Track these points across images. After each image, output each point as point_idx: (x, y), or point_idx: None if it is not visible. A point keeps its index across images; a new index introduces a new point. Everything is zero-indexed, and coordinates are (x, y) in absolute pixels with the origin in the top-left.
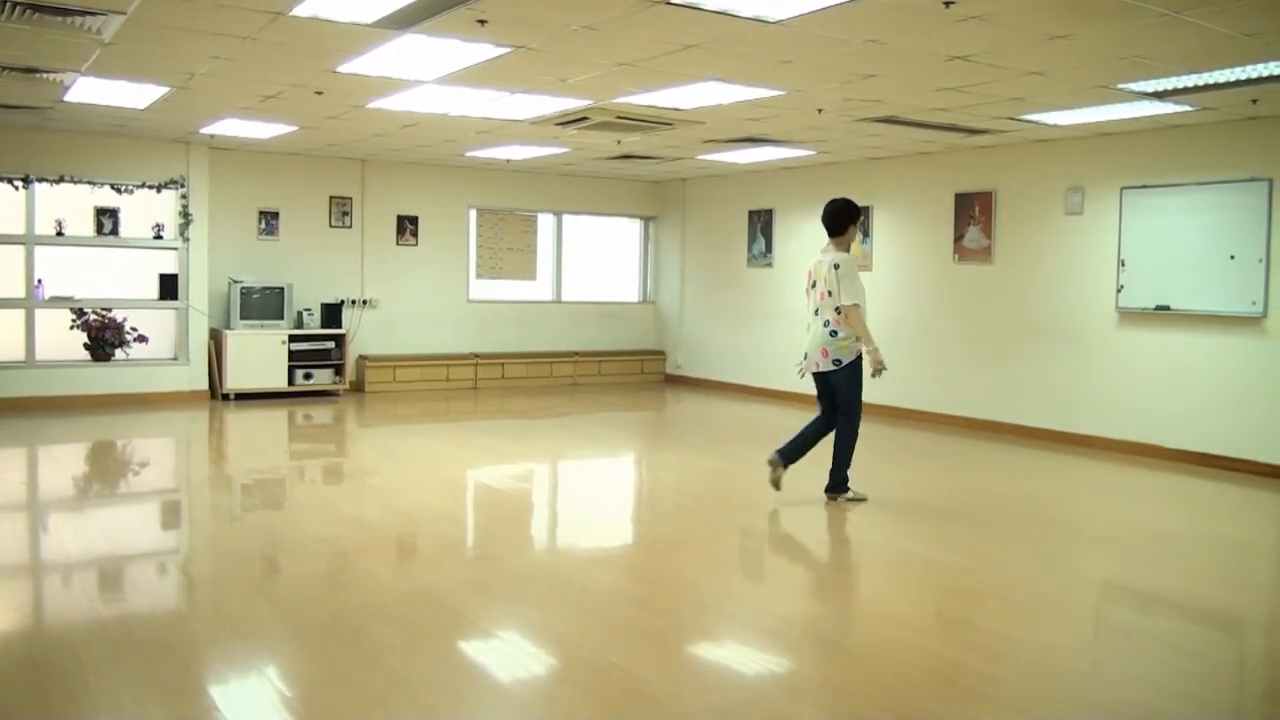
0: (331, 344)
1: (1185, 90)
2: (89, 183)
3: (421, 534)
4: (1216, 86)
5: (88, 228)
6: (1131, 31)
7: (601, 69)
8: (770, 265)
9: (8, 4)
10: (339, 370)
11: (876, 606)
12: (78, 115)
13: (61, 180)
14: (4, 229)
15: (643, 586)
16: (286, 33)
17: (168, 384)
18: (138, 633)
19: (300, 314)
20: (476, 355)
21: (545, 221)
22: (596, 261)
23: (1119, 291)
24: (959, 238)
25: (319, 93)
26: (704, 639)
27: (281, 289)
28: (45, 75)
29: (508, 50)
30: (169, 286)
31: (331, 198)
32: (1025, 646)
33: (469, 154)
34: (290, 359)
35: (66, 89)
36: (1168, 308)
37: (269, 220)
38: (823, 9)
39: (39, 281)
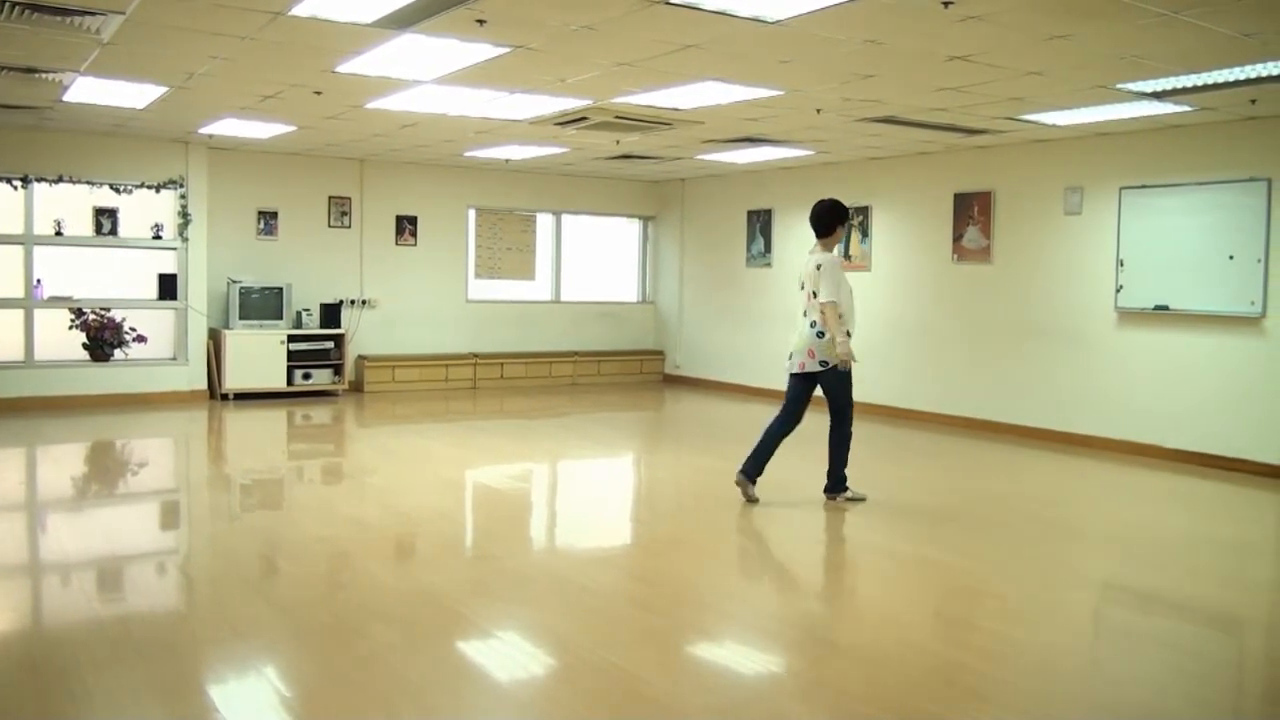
0: (330, 344)
1: (1184, 90)
2: (88, 183)
3: (421, 534)
4: (1215, 86)
5: (87, 228)
6: (1130, 31)
7: (600, 69)
8: (769, 265)
9: (7, 4)
10: (338, 370)
11: (876, 606)
12: (77, 115)
13: (60, 180)
14: (3, 229)
15: (642, 586)
16: (285, 33)
17: (167, 384)
18: (137, 633)
19: (299, 314)
20: (475, 355)
21: (544, 221)
22: (595, 261)
23: (1118, 291)
24: (958, 238)
25: (318, 93)
26: (703, 639)
27: (280, 289)
28: (44, 75)
29: (507, 50)
30: (168, 286)
31: (330, 198)
32: (1025, 646)
33: (468, 154)
34: (289, 359)
35: (65, 89)
36: (1167, 308)
37: (268, 220)
38: (821, 9)
39: (38, 281)
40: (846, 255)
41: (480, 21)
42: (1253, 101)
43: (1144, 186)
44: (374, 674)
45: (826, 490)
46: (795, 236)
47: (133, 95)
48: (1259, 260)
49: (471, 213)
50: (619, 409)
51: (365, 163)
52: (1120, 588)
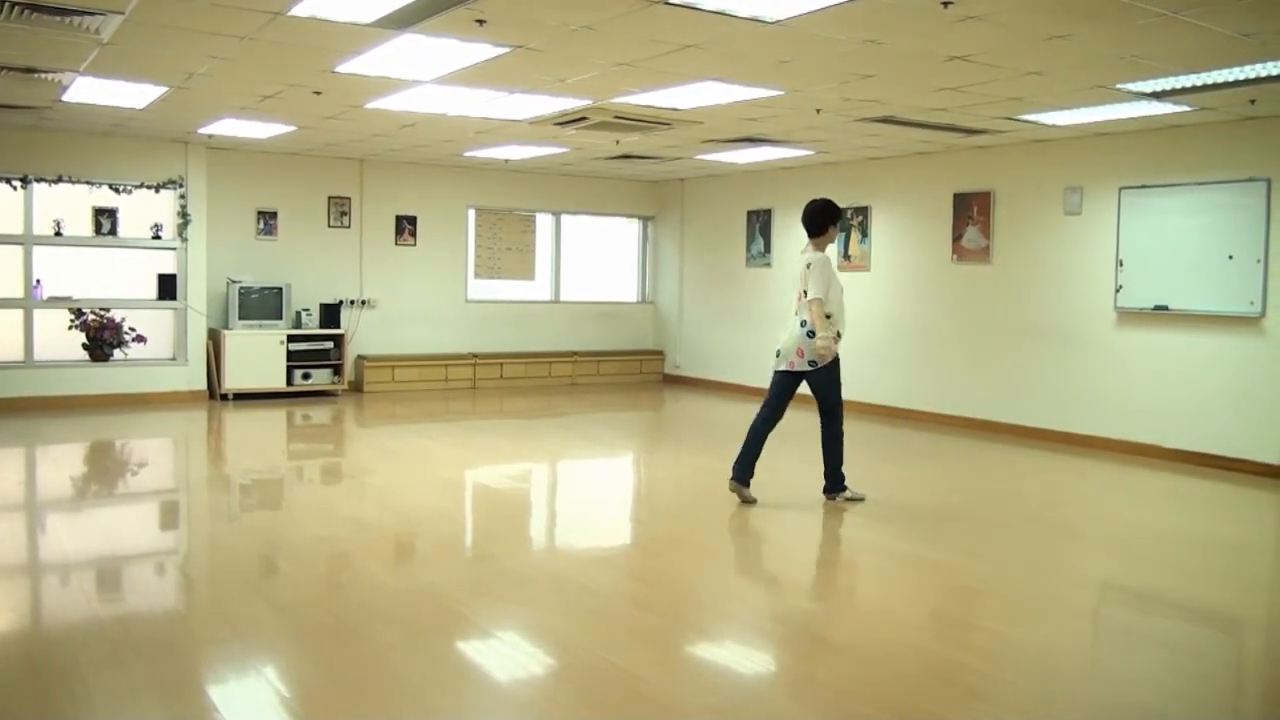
0: (330, 344)
1: (1183, 90)
2: (87, 183)
3: (420, 534)
4: (1215, 86)
5: (86, 228)
6: (1130, 32)
7: (600, 69)
8: (769, 265)
9: (6, 3)
10: (337, 370)
11: (875, 606)
12: (76, 115)
13: (60, 180)
14: (2, 229)
15: (641, 586)
16: (285, 32)
17: (166, 384)
18: (136, 633)
19: (299, 314)
20: (475, 355)
21: (544, 221)
22: (595, 261)
23: (1117, 291)
24: (957, 238)
25: (317, 93)
26: (703, 639)
27: (280, 289)
28: (43, 75)
29: (506, 50)
30: (167, 286)
31: (330, 198)
32: (1024, 646)
33: (467, 154)
34: (289, 359)
35: (65, 89)
36: (1166, 308)
37: (267, 220)
38: (821, 9)
39: (37, 281)
40: (846, 255)
41: (480, 21)
42: (1252, 101)
43: (1143, 186)
44: (373, 674)
45: (826, 490)
46: (795, 236)
47: (132, 95)
48: (1258, 260)
49: (471, 213)
50: (618, 409)
51: (365, 163)
52: (1120, 587)
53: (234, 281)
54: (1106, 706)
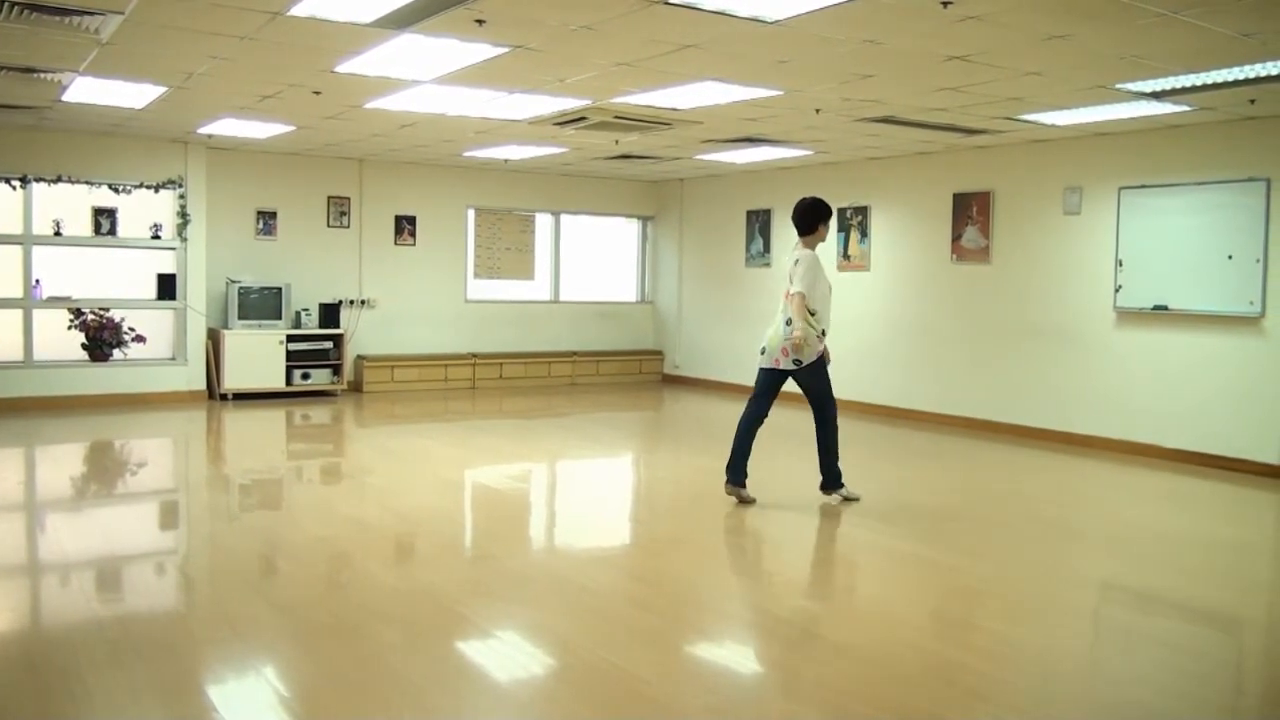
0: (329, 344)
1: (1183, 90)
2: (87, 183)
3: (420, 534)
4: (1214, 86)
5: (85, 228)
6: (1129, 31)
7: (599, 69)
8: (768, 265)
9: (5, 3)
10: (337, 370)
11: (875, 606)
12: (75, 115)
13: (59, 180)
14: (2, 229)
15: (641, 586)
16: (284, 32)
17: (165, 384)
18: (136, 633)
19: (298, 314)
20: (474, 355)
21: (543, 221)
22: (594, 261)
23: (1117, 291)
24: (957, 238)
25: (317, 92)
26: (702, 639)
27: (279, 289)
28: (43, 75)
29: (506, 50)
30: (167, 286)
31: (329, 198)
32: (1024, 646)
33: (467, 154)
34: (288, 359)
35: (64, 89)
36: (1165, 308)
37: (267, 220)
38: (820, 9)
39: (37, 281)
40: (845, 255)
41: (479, 21)
42: (1252, 101)
43: (1143, 186)
44: (373, 674)
45: (822, 487)
46: (794, 236)
47: (132, 95)
48: (1258, 260)
49: (470, 213)
50: (618, 409)
51: (364, 163)
52: (1120, 587)
53: (233, 281)
54: (1106, 706)
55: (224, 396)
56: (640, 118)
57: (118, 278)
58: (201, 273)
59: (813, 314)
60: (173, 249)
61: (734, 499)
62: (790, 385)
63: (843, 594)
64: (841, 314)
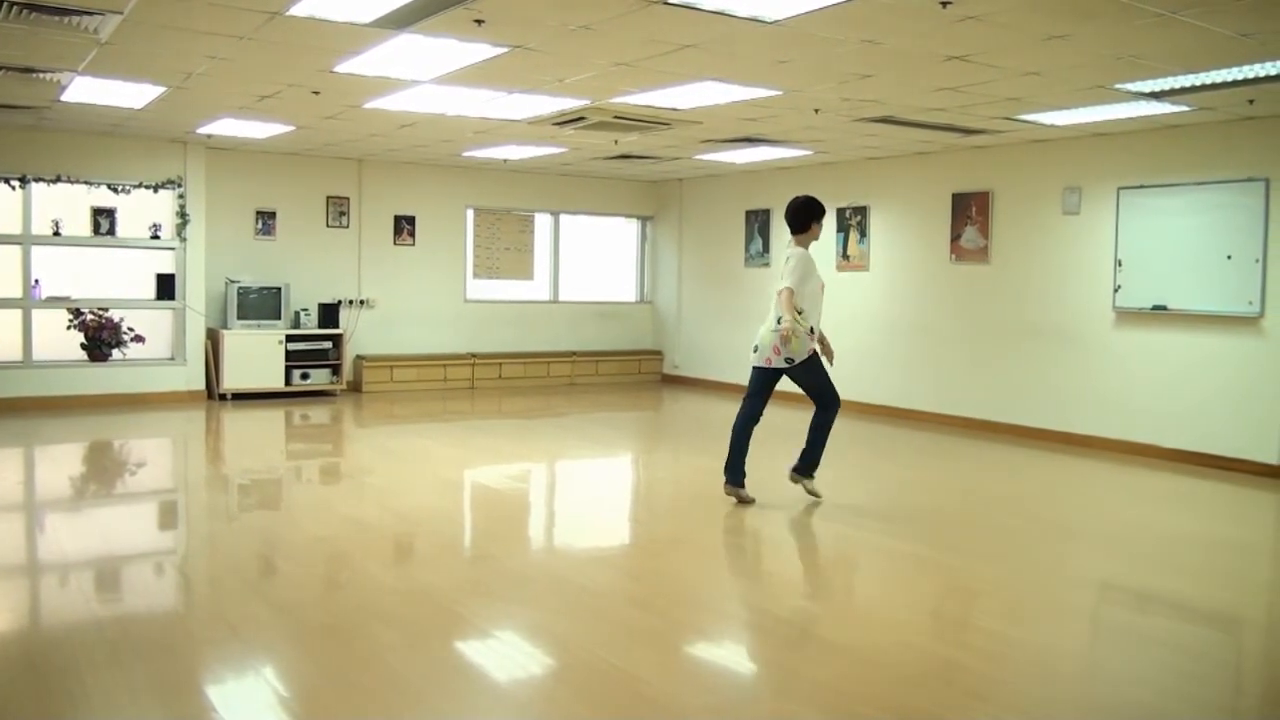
0: (329, 344)
1: (1182, 90)
2: (86, 183)
3: (419, 534)
4: (1213, 86)
5: (85, 228)
6: (1128, 32)
7: (599, 69)
8: (767, 265)
9: (5, 3)
10: (336, 370)
11: (874, 606)
12: (75, 115)
13: (58, 180)
14: (1, 229)
15: (640, 586)
16: (283, 32)
17: (165, 384)
18: (135, 633)
19: (297, 314)
20: (474, 355)
21: (542, 221)
22: (594, 261)
23: (1116, 291)
24: (956, 238)
25: (316, 92)
26: (702, 639)
27: (278, 289)
28: (42, 75)
29: (505, 50)
30: (166, 286)
31: (328, 198)
32: (1024, 646)
33: (466, 154)
34: (287, 359)
35: (63, 89)
36: (1165, 308)
37: (266, 220)
38: (819, 9)
39: (36, 281)
40: (845, 255)
41: (478, 21)
42: (1251, 101)
43: (1142, 186)
44: (372, 674)
45: (794, 468)
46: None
47: (131, 95)
48: (1257, 260)
49: (470, 212)
50: (617, 409)
51: (363, 163)
52: (1119, 587)
53: (232, 281)
54: (1106, 706)
55: (223, 396)
56: (639, 118)
57: (117, 278)
58: (200, 273)
59: (800, 312)
60: (172, 249)
61: (733, 499)
62: (789, 386)
63: (841, 594)
64: (840, 314)
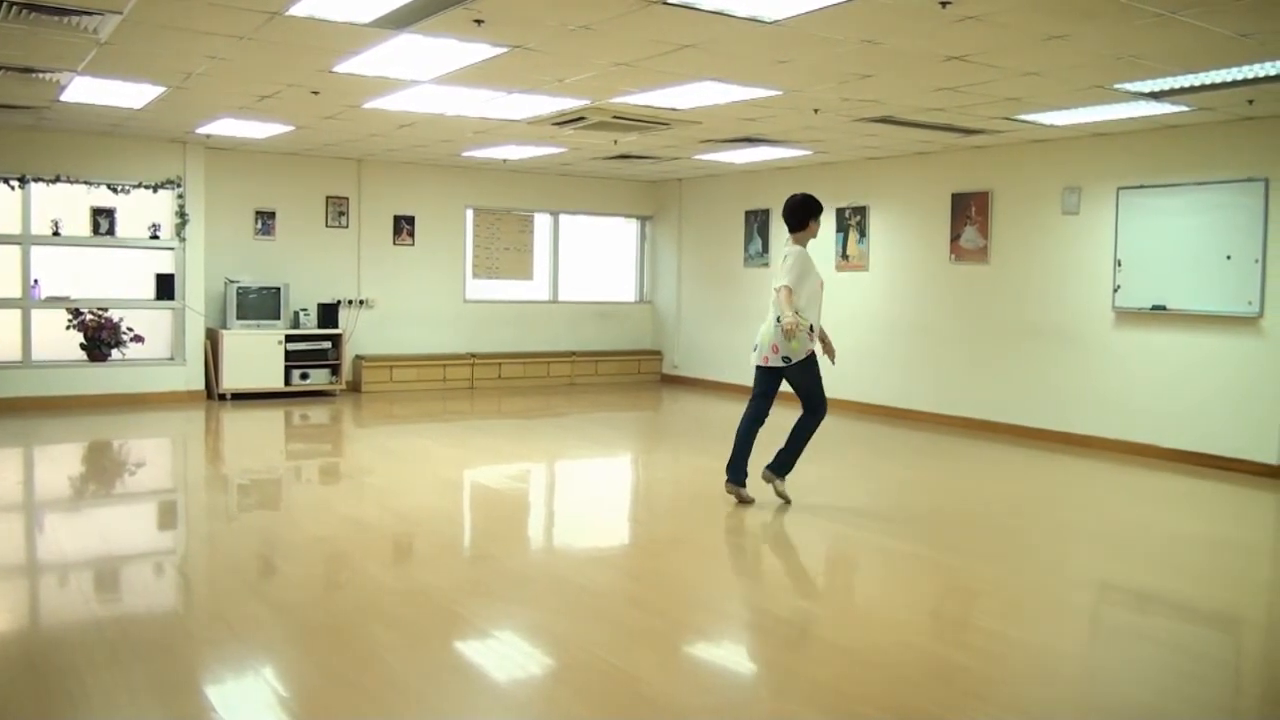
0: (328, 344)
1: (1182, 90)
2: (85, 183)
3: (419, 534)
4: (1213, 87)
5: (84, 227)
6: (1128, 32)
7: (598, 69)
8: (766, 265)
9: (4, 3)
10: (335, 370)
11: (874, 606)
12: (74, 115)
13: (58, 180)
14: (0, 229)
15: (640, 586)
16: (283, 32)
17: (164, 384)
18: (134, 633)
19: (297, 314)
20: (473, 355)
21: (542, 221)
22: (593, 261)
23: (1115, 291)
24: (955, 238)
25: (315, 92)
26: (701, 639)
27: (278, 289)
28: (41, 75)
29: (504, 50)
30: (165, 286)
31: (328, 198)
32: (1023, 647)
33: (466, 154)
34: (287, 359)
35: (63, 89)
36: (1164, 308)
37: (265, 220)
38: (819, 9)
39: (35, 281)
40: (844, 255)
41: (478, 21)
42: (1250, 102)
43: (1142, 186)
44: (372, 674)
45: (768, 466)
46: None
47: (130, 95)
48: (1256, 260)
49: (469, 212)
50: (617, 409)
51: (363, 163)
52: (1119, 588)
53: (232, 281)
54: (1106, 706)
55: (222, 396)
56: (639, 118)
57: (116, 278)
58: (200, 273)
59: (796, 311)
60: (171, 249)
61: (734, 498)
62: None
63: (841, 594)
64: (840, 314)
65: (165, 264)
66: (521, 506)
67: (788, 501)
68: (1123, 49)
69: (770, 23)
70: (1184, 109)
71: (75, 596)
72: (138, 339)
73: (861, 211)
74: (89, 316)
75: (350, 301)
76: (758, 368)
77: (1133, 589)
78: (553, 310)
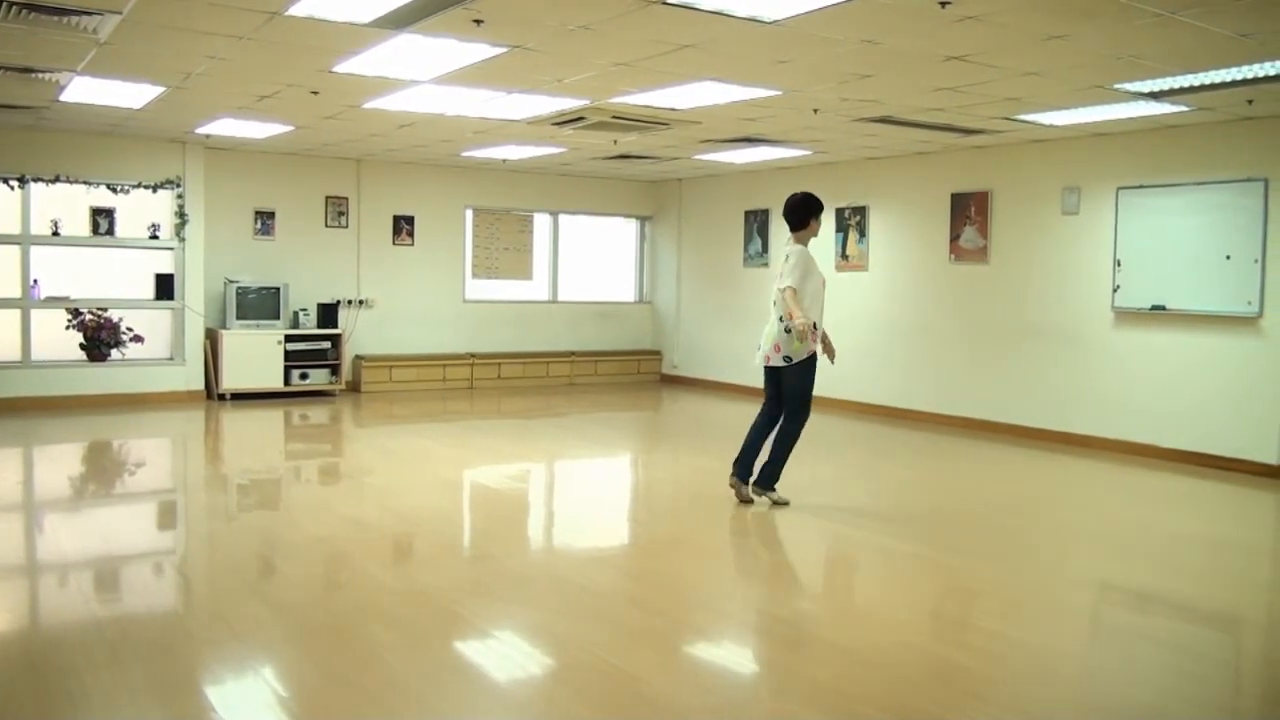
0: (328, 344)
1: (1181, 90)
2: (85, 183)
3: (418, 534)
4: (1212, 87)
5: (84, 227)
6: (1128, 32)
7: (598, 69)
8: (766, 265)
9: (4, 3)
10: (335, 370)
11: (873, 606)
12: (74, 115)
13: (57, 180)
14: (0, 229)
15: (640, 586)
16: (282, 32)
17: (164, 384)
18: (134, 633)
19: (296, 314)
20: (473, 355)
21: (541, 221)
22: (593, 261)
23: (1115, 291)
24: (955, 238)
25: (315, 92)
26: (701, 639)
27: (277, 289)
28: (41, 75)
29: (504, 50)
30: (165, 286)
31: (327, 197)
32: (1023, 647)
33: (465, 154)
34: (286, 359)
35: (62, 89)
36: (1164, 308)
37: (265, 220)
38: (819, 9)
39: (35, 281)
40: (844, 255)
41: (477, 21)
42: (1250, 102)
43: (1141, 186)
44: (372, 674)
45: (755, 483)
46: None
47: (130, 95)
48: (1256, 260)
49: (469, 213)
50: (616, 409)
51: (362, 163)
52: (1118, 588)
53: (231, 281)
54: (1106, 707)
55: (222, 396)
56: (638, 118)
57: (116, 278)
58: (200, 273)
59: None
60: (171, 249)
61: (733, 495)
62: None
63: (841, 594)
64: (839, 314)
65: (165, 264)
66: (521, 506)
67: (786, 502)
68: (1122, 49)
69: (770, 23)
70: (1184, 109)
71: (75, 596)
72: (137, 339)
73: (861, 211)
74: (88, 316)
75: (350, 301)
76: (765, 369)
77: (1133, 589)
78: (552, 310)
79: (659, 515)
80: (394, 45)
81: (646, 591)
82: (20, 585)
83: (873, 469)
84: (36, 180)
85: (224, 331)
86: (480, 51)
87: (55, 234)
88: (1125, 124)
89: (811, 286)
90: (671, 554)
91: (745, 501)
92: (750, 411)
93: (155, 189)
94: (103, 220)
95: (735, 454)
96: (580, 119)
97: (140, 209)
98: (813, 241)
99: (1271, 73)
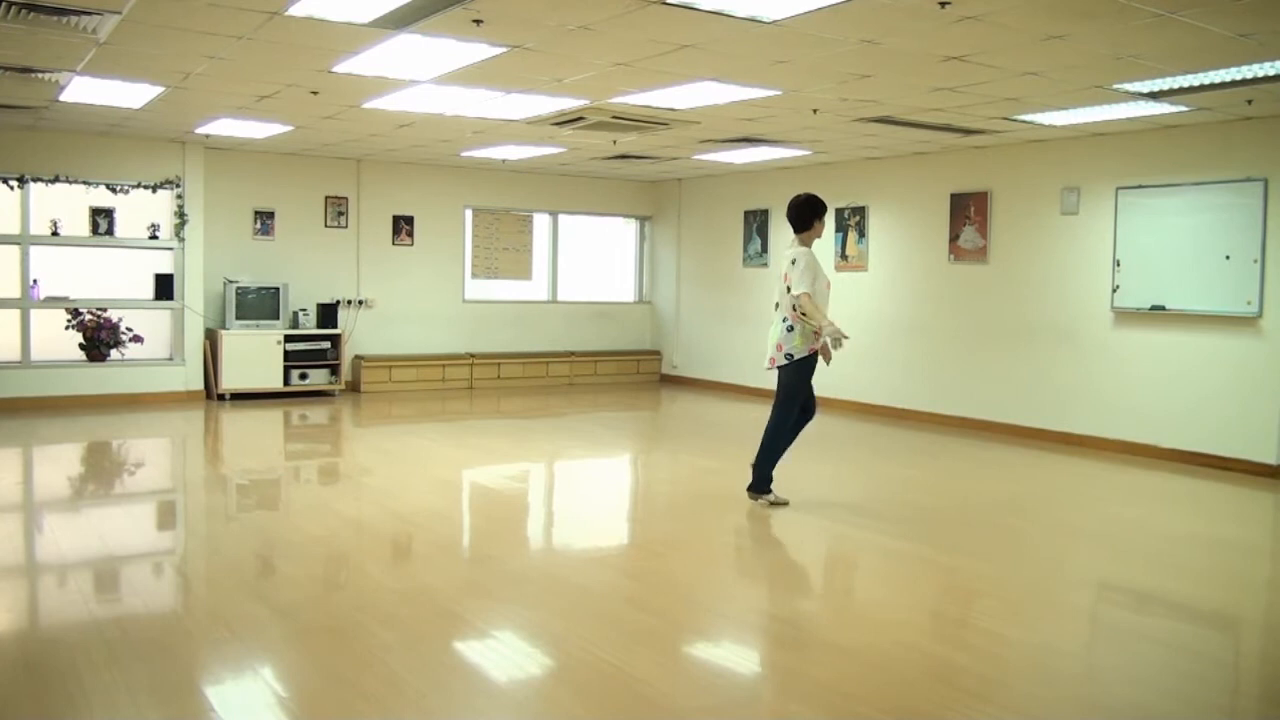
0: (327, 344)
1: (1180, 90)
2: (84, 183)
3: (417, 534)
4: (1212, 87)
5: (83, 228)
6: (1127, 32)
7: (597, 69)
8: (765, 265)
9: (4, 3)
10: (334, 370)
11: (873, 606)
12: (73, 115)
13: (57, 180)
14: (0, 229)
15: (639, 587)
16: (282, 32)
17: (163, 384)
18: (133, 633)
19: (296, 314)
20: (472, 355)
21: (541, 221)
22: (592, 261)
23: (1114, 291)
24: (954, 238)
25: (314, 92)
26: (700, 639)
27: (277, 289)
28: (40, 75)
29: (503, 50)
30: (164, 286)
31: (327, 197)
32: (1022, 647)
33: (465, 154)
34: (286, 359)
35: (62, 89)
36: (1163, 308)
37: (264, 220)
38: (818, 9)
39: (34, 281)
40: (843, 255)
41: (477, 21)
42: (1249, 102)
43: (1140, 186)
44: (371, 674)
45: (749, 489)
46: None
47: (129, 95)
48: (1255, 260)
49: (468, 213)
50: (616, 409)
51: (362, 163)
52: (1118, 588)
53: (231, 281)
54: (1106, 706)
55: (221, 397)
56: (638, 118)
57: (115, 278)
58: (199, 273)
59: (803, 315)
60: (170, 249)
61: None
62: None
63: (841, 594)
64: (839, 314)
65: (164, 264)
66: (520, 507)
67: (786, 503)
68: (1121, 49)
69: (769, 23)
70: (1183, 109)
71: (74, 597)
72: (137, 339)
73: (861, 211)
74: (88, 317)
75: (349, 301)
76: (779, 369)
77: (1132, 589)
78: (552, 310)
79: (658, 515)
80: (393, 45)
81: (646, 592)
82: (20, 585)
83: (872, 469)
84: (36, 180)
85: (223, 331)
86: (480, 51)
87: (55, 234)
88: (1124, 124)
89: (819, 289)
90: (671, 554)
91: (780, 504)
92: (750, 412)
93: (155, 189)
94: (102, 220)
95: (736, 453)
96: (580, 119)
97: (140, 209)
98: (815, 240)
99: (1271, 73)
